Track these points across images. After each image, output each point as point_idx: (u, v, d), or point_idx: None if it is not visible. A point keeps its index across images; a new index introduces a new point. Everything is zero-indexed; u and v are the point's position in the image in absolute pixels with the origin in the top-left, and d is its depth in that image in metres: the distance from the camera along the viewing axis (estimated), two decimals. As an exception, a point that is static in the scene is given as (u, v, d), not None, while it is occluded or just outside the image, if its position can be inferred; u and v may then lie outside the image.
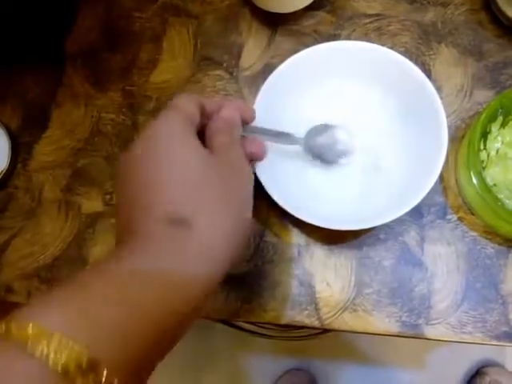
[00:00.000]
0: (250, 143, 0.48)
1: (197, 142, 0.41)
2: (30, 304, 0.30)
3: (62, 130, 0.62)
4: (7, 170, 0.60)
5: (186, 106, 0.43)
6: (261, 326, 1.00)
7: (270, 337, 1.00)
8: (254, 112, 0.50)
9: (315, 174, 0.56)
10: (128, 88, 0.63)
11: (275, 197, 0.50)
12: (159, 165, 0.39)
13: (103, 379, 0.28)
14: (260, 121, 0.51)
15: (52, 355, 0.27)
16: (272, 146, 0.52)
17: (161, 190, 0.38)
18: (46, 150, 0.62)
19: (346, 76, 0.57)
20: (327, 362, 1.45)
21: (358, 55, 0.55)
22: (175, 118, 0.41)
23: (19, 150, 0.62)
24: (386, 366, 1.42)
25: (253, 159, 0.48)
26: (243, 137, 0.48)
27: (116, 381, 0.28)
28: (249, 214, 0.42)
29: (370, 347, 1.44)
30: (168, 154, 0.39)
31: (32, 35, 0.65)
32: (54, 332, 0.28)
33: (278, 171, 0.53)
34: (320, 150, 0.55)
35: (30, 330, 0.27)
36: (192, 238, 0.37)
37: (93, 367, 0.28)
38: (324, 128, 0.55)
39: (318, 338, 0.97)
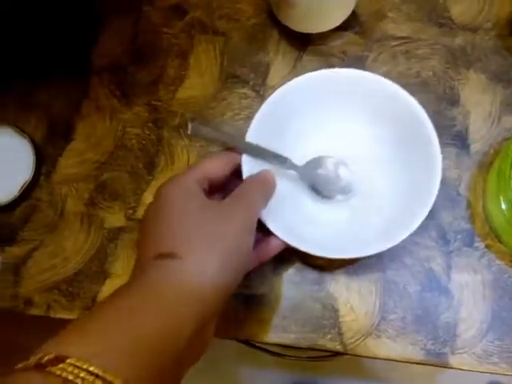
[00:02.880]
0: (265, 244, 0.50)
1: (200, 197, 0.45)
2: (51, 342, 0.33)
3: (86, 143, 0.62)
4: (30, 182, 0.60)
5: (204, 166, 0.47)
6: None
7: (278, 355, 0.99)
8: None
9: (309, 198, 0.56)
10: (154, 103, 0.63)
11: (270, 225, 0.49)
12: (160, 215, 0.43)
13: None
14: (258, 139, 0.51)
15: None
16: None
17: (158, 236, 0.43)
18: (69, 163, 0.62)
19: (342, 105, 0.56)
20: (334, 378, 1.43)
21: (358, 84, 0.54)
22: (184, 179, 0.45)
23: (43, 162, 0.62)
24: (394, 384, 1.41)
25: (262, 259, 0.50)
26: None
27: None
28: (238, 260, 0.43)
29: (378, 364, 1.42)
30: (170, 206, 0.44)
31: (58, 47, 0.65)
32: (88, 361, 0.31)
33: (276, 199, 0.51)
34: (318, 182, 0.55)
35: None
36: (178, 267, 0.40)
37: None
38: (326, 161, 0.55)
39: (329, 359, 0.96)
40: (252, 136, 0.52)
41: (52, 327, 0.37)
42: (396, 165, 0.54)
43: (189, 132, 0.47)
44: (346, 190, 0.55)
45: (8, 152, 0.61)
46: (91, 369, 0.30)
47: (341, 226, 0.54)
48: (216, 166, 0.48)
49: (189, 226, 0.42)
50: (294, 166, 0.53)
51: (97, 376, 0.30)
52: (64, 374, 0.29)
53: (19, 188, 0.59)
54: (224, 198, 0.47)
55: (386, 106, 0.54)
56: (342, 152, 0.56)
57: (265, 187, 0.48)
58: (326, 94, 0.55)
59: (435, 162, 0.50)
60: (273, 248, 0.50)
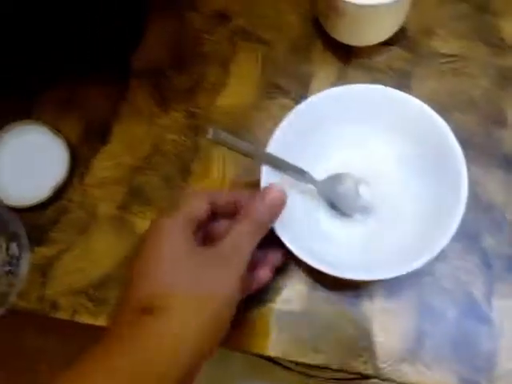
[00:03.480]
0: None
1: (190, 242, 0.43)
2: None
3: (121, 146, 0.61)
4: (63, 183, 0.59)
5: (191, 206, 0.45)
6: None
7: (304, 374, 0.97)
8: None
9: (325, 214, 0.55)
10: (192, 110, 0.62)
11: (283, 238, 0.48)
12: (144, 260, 0.42)
13: None
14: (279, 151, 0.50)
15: None
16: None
17: (140, 284, 0.41)
18: (104, 165, 0.61)
19: (368, 122, 0.54)
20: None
21: (384, 101, 0.53)
22: (174, 221, 0.43)
23: (77, 163, 0.61)
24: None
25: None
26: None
27: None
28: (227, 314, 0.42)
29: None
30: (157, 252, 0.42)
31: (99, 48, 0.65)
32: None
33: (290, 212, 0.49)
34: (336, 199, 0.53)
35: None
36: (162, 323, 0.39)
37: None
38: (346, 178, 0.54)
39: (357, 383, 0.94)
40: (274, 146, 0.51)
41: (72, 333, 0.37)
42: (419, 188, 0.53)
43: (209, 136, 0.46)
44: (365, 210, 0.54)
45: (42, 151, 0.61)
46: None
47: (355, 246, 0.53)
48: (200, 207, 0.46)
49: (175, 278, 0.40)
50: (312, 181, 0.52)
51: None
52: None
53: (52, 188, 0.59)
54: (209, 235, 0.47)
55: (413, 126, 0.52)
56: (364, 170, 0.55)
57: (268, 218, 0.46)
58: (352, 109, 0.54)
59: (461, 186, 0.48)
60: (260, 280, 0.49)
